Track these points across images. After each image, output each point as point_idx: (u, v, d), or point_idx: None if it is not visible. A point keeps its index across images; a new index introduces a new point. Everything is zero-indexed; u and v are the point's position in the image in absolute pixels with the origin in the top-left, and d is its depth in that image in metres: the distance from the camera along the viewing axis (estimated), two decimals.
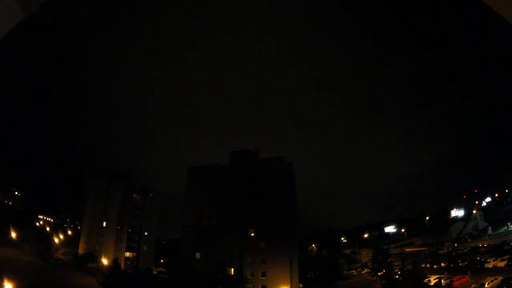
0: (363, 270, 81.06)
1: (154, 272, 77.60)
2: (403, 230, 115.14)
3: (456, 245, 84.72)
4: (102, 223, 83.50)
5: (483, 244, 75.35)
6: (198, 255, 65.71)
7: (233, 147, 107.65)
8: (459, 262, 64.28)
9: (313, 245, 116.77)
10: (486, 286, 46.61)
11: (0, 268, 41.75)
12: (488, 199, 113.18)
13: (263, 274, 60.29)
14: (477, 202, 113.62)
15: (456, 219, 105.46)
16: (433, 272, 61.56)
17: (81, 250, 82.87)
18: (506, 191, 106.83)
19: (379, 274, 59.58)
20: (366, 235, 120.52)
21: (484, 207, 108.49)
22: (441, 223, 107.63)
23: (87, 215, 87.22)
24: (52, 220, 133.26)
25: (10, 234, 73.16)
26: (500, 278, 47.16)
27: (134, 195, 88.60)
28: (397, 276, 56.47)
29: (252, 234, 63.98)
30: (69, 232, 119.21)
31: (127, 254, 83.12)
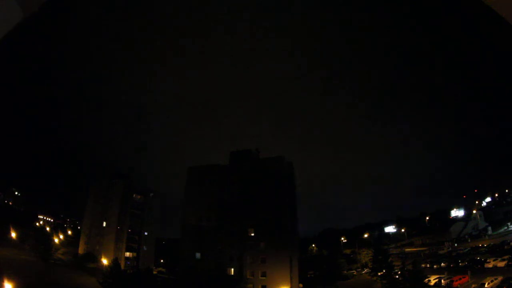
0: (363, 270, 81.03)
1: (154, 272, 77.59)
2: (403, 230, 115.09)
3: (456, 245, 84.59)
4: (102, 223, 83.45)
5: (483, 244, 75.21)
6: (198, 255, 65.64)
7: (233, 147, 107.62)
8: (459, 262, 64.11)
9: (313, 245, 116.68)
10: (486, 286, 46.52)
11: (0, 268, 41.66)
12: (488, 199, 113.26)
13: (263, 274, 60.22)
14: (477, 202, 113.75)
15: (456, 219, 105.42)
16: (433, 272, 61.41)
17: (81, 250, 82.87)
18: (506, 191, 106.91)
19: (379, 274, 59.41)
20: (366, 235, 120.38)
21: (484, 207, 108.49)
22: (441, 223, 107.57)
23: (87, 215, 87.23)
24: (52, 220, 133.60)
25: (10, 234, 73.14)
26: (500, 278, 47.07)
27: (134, 195, 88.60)
28: (397, 276, 56.36)
29: (252, 234, 63.92)
30: (69, 232, 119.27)
31: (127, 254, 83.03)
